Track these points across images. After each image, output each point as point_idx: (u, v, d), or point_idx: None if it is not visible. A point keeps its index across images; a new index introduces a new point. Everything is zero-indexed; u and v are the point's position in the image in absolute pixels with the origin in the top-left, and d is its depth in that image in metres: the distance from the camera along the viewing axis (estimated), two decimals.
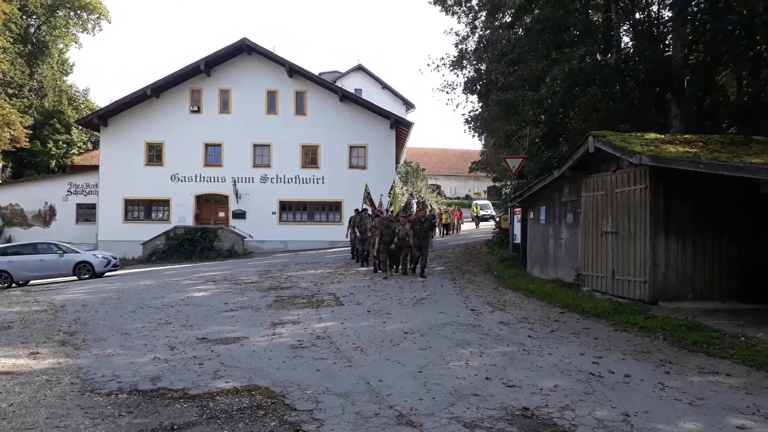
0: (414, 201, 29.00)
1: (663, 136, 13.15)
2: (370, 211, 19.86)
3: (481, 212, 37.67)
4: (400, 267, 16.02)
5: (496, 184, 34.46)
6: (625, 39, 22.38)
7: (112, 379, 6.28)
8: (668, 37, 19.73)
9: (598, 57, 20.43)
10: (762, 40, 17.16)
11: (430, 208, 25.20)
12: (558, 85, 17.83)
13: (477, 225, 36.39)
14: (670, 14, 19.35)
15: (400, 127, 28.89)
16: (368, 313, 10.23)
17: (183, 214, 27.52)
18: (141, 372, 6.55)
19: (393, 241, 15.58)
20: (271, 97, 28.18)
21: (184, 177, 27.79)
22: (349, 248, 20.67)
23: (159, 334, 8.70)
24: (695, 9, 17.94)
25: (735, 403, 5.31)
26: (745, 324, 8.58)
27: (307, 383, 5.97)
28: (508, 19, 25.67)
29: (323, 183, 27.96)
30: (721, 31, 17.01)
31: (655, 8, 21.06)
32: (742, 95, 18.62)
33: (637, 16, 20.96)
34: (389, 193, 19.30)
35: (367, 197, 19.23)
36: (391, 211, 18.77)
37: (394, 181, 15.02)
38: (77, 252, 20.09)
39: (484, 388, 5.77)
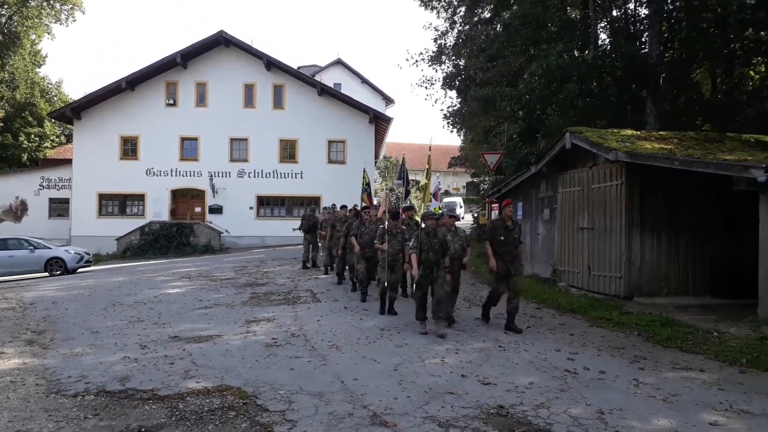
0: (394, 197, 28.69)
1: (639, 132, 13.26)
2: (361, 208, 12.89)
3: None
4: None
5: (475, 180, 34.57)
6: (603, 36, 22.59)
7: (80, 380, 6.11)
8: (645, 35, 19.95)
9: (576, 53, 20.54)
10: (736, 39, 17.41)
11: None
12: (536, 81, 17.88)
13: None
14: (647, 12, 19.54)
15: (380, 122, 28.78)
16: (345, 309, 10.14)
17: (158, 209, 27.09)
18: (110, 372, 6.38)
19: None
20: (249, 90, 27.87)
21: (160, 171, 27.36)
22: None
23: (130, 333, 8.51)
24: (671, 7, 18.15)
25: (708, 399, 5.34)
26: (717, 319, 8.69)
27: (280, 383, 5.87)
28: (487, 14, 25.75)
29: (301, 178, 27.74)
30: (696, 29, 17.24)
31: (631, 6, 21.27)
32: (716, 93, 18.89)
33: (615, 13, 21.17)
34: (363, 185, 12.71)
35: (366, 190, 12.61)
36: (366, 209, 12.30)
37: (364, 170, 13.50)
38: (49, 248, 19.65)
39: (460, 386, 5.73)
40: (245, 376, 6.13)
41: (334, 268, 13.76)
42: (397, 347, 7.38)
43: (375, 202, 14.66)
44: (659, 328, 8.20)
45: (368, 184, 12.71)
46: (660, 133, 13.40)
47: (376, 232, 10.58)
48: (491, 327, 8.70)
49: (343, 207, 14.27)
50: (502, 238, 8.56)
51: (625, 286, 10.73)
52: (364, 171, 12.85)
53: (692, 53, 18.29)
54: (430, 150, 11.94)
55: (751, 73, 18.73)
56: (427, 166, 11.15)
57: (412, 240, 8.42)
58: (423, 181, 12.23)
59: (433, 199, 12.72)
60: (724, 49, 17.55)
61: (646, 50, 18.95)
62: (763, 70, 18.16)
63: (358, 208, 12.95)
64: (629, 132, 12.86)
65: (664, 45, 18.77)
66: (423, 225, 8.50)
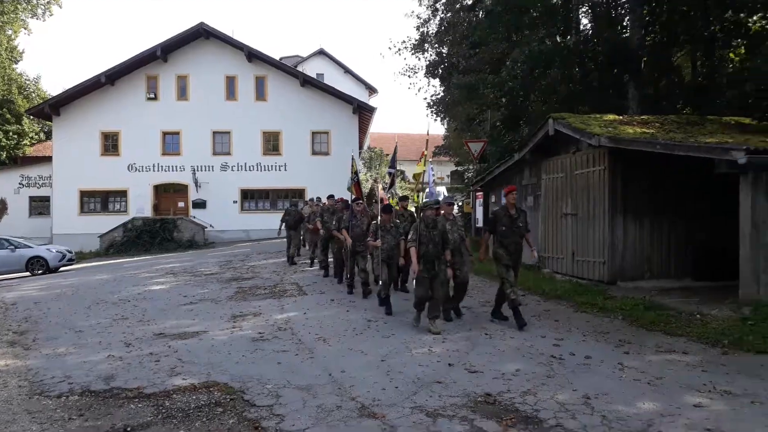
0: (379, 187, 28.53)
1: (621, 117, 13.31)
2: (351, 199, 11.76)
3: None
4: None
5: (459, 169, 34.60)
6: (584, 21, 22.57)
7: (63, 380, 6.03)
8: (626, 19, 19.97)
9: (558, 39, 20.55)
10: (716, 21, 17.49)
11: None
12: (518, 68, 17.87)
13: None
14: None
15: (364, 112, 28.66)
16: (332, 302, 10.11)
17: (141, 205, 26.84)
18: (94, 371, 6.31)
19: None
20: (231, 82, 27.61)
21: (142, 166, 27.07)
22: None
23: (114, 331, 8.42)
24: None
25: (692, 381, 5.40)
26: (699, 302, 8.79)
27: (267, 377, 5.84)
28: (469, 1, 25.62)
29: (285, 170, 27.58)
30: (676, 12, 17.30)
31: None
32: (696, 76, 18.99)
33: None
34: (351, 173, 11.74)
35: (354, 180, 11.63)
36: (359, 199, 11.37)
37: (352, 158, 12.38)
38: (30, 247, 19.39)
39: (447, 375, 5.74)
40: (232, 372, 6.09)
41: (320, 263, 13.47)
42: (384, 338, 7.38)
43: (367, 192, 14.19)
44: (643, 312, 8.27)
45: (357, 173, 11.77)
46: (642, 117, 13.45)
47: (366, 225, 10.29)
48: (478, 316, 8.72)
49: (330, 197, 13.53)
50: (505, 228, 8.02)
51: (608, 271, 10.80)
52: (353, 159, 12.05)
53: (673, 36, 18.36)
54: (428, 135, 11.62)
55: (732, 55, 18.82)
56: (424, 153, 10.89)
57: (411, 233, 7.89)
58: (418, 168, 11.44)
59: (427, 188, 11.97)
60: (705, 31, 17.62)
61: (627, 34, 18.99)
62: (743, 52, 18.25)
63: (345, 199, 12.67)
64: (611, 117, 12.90)
65: (645, 29, 18.81)
66: (422, 216, 7.93)
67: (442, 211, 8.42)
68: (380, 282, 9.61)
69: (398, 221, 9.83)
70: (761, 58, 13.52)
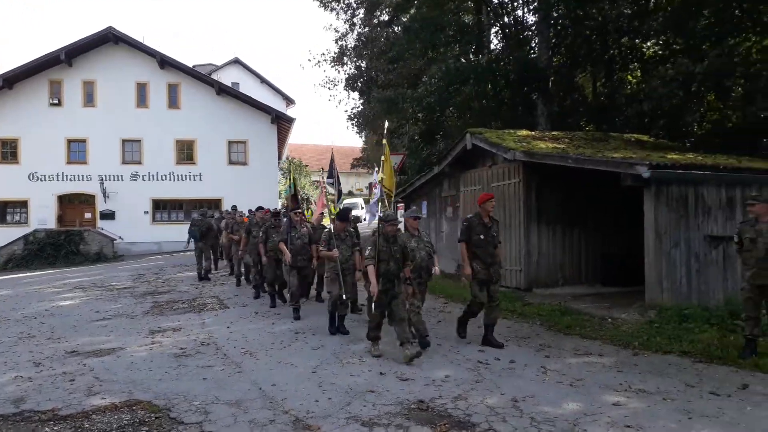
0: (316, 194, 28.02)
1: (533, 133, 14.02)
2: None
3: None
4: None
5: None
6: (495, 41, 23.64)
7: None
8: (534, 40, 21.10)
9: (471, 57, 21.37)
10: (614, 45, 18.84)
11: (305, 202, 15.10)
12: (435, 84, 18.42)
13: None
14: (535, 19, 20.68)
15: (282, 123, 28.38)
16: (256, 314, 9.91)
17: (44, 216, 25.11)
18: (1, 394, 5.84)
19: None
20: (142, 89, 26.51)
21: (44, 176, 25.37)
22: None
23: (21, 350, 7.82)
24: (557, 14, 19.33)
25: (609, 381, 5.76)
26: (610, 306, 9.37)
27: (194, 394, 5.64)
28: (386, 17, 26.13)
29: (201, 180, 26.77)
30: (580, 36, 18.47)
31: (521, 12, 22.40)
32: (597, 96, 20.35)
33: (506, 19, 22.20)
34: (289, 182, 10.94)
35: (290, 190, 10.91)
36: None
37: (290, 164, 11.12)
38: None
39: (379, 384, 5.79)
40: (155, 389, 5.83)
41: (251, 280, 12.33)
42: (314, 350, 7.33)
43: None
44: (559, 317, 8.72)
45: (294, 183, 10.89)
46: (552, 133, 14.24)
47: (308, 237, 9.60)
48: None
49: (259, 209, 12.41)
50: (482, 236, 7.32)
51: (525, 279, 11.31)
52: (290, 165, 11.19)
53: (577, 58, 19.61)
54: (384, 139, 9.73)
55: (629, 77, 20.35)
56: (383, 159, 9.35)
57: (368, 249, 7.03)
58: (379, 176, 10.09)
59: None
60: (605, 55, 18.96)
61: (536, 55, 20.07)
62: (639, 75, 19.77)
63: (265, 208, 12.25)
64: (525, 132, 13.55)
65: (552, 50, 19.98)
66: (381, 230, 7.00)
67: (409, 226, 7.66)
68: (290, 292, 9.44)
69: (352, 230, 8.96)
70: (656, 80, 14.69)
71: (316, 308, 10.04)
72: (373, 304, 7.11)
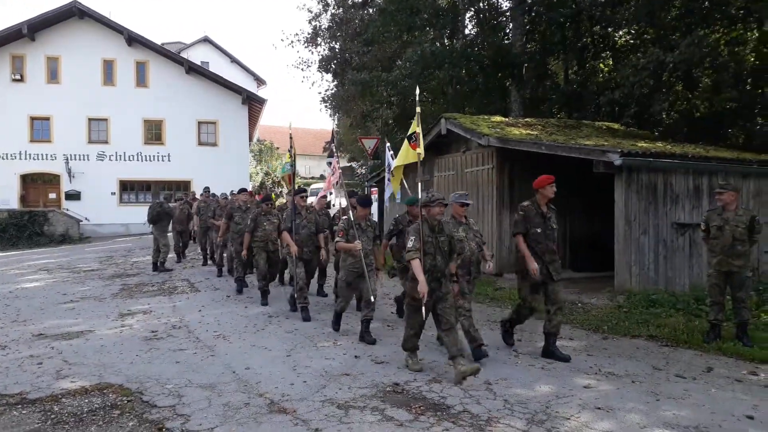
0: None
1: (507, 119, 14.11)
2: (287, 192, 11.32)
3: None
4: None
5: (352, 164, 34.80)
6: (471, 26, 23.60)
7: None
8: (509, 26, 21.13)
9: (446, 42, 21.33)
10: (587, 33, 19.00)
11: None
12: (410, 67, 18.34)
13: None
14: (510, 4, 20.71)
15: (253, 104, 27.98)
16: (228, 298, 9.83)
17: (5, 197, 24.36)
18: None
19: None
20: (108, 66, 25.81)
21: (6, 154, 24.61)
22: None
23: None
24: (531, 1, 19.37)
25: (579, 364, 5.88)
26: (580, 291, 9.54)
27: (166, 377, 5.58)
28: None
29: (169, 160, 26.30)
30: (554, 23, 18.56)
31: None
32: (570, 83, 20.53)
33: (481, 4, 22.17)
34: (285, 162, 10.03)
35: (288, 170, 9.62)
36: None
37: (291, 140, 8.87)
38: None
39: (354, 367, 5.80)
40: (126, 373, 5.75)
41: (235, 272, 10.79)
42: (288, 333, 7.30)
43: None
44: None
45: (293, 163, 9.37)
46: (526, 119, 14.34)
47: (316, 224, 8.55)
48: (378, 308, 8.68)
49: (242, 191, 11.24)
50: (539, 230, 6.14)
51: (496, 264, 11.41)
52: (291, 144, 9.14)
53: (550, 45, 19.72)
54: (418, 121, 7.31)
55: (601, 65, 20.57)
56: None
57: (412, 239, 5.64)
58: (395, 162, 8.35)
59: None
60: (578, 42, 19.11)
61: (510, 41, 20.13)
62: (611, 63, 20.00)
63: (235, 192, 11.51)
64: (498, 119, 13.62)
65: (526, 36, 20.05)
66: (426, 215, 5.81)
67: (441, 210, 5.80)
68: (295, 284, 8.32)
69: (374, 220, 7.98)
70: (628, 69, 14.89)
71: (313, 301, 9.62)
72: (423, 307, 5.56)
